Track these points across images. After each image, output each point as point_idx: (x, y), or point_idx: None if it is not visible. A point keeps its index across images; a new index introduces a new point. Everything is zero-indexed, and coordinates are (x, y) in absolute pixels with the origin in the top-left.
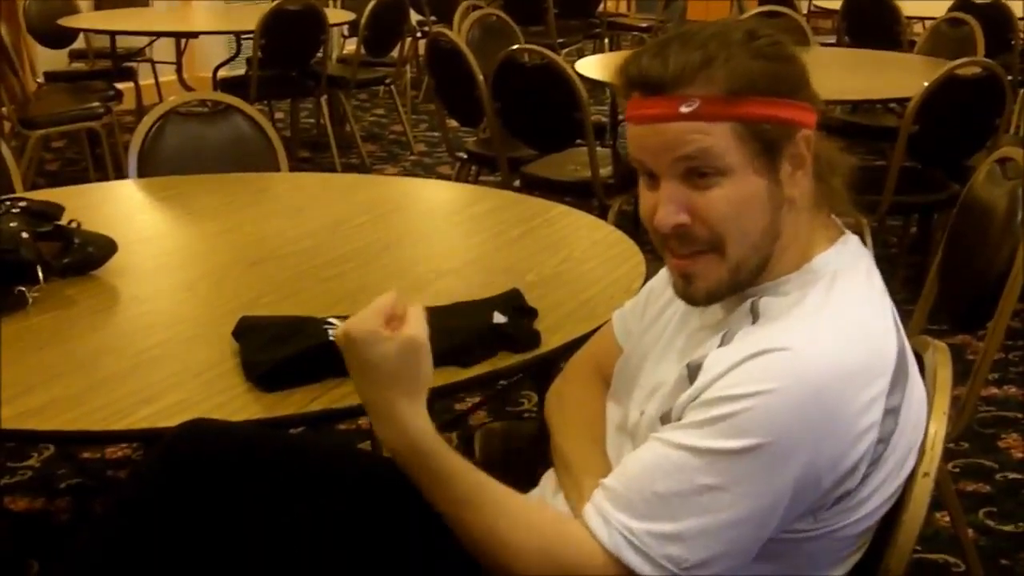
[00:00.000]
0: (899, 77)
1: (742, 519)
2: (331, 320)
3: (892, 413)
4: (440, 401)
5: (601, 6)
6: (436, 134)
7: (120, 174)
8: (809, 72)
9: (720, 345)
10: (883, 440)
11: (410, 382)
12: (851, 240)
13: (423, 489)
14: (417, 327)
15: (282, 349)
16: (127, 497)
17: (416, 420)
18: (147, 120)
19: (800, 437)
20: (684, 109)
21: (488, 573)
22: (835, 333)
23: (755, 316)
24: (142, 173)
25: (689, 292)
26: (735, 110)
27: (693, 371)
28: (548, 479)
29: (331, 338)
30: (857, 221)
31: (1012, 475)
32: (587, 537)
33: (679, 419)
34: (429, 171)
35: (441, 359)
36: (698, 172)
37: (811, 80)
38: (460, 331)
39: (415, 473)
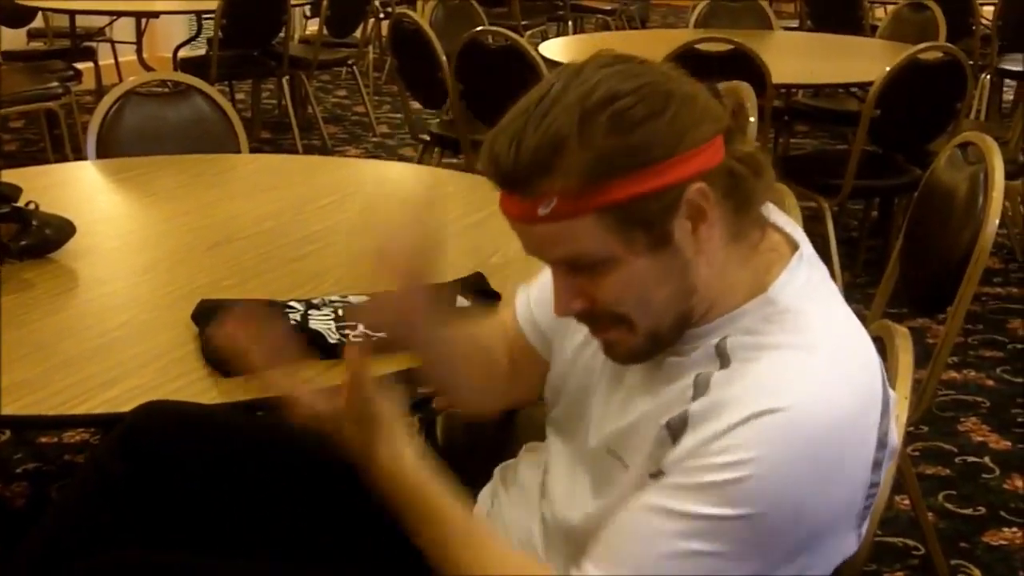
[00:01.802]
0: (861, 61)
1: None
2: (292, 304)
3: (882, 441)
4: (403, 385)
5: None
6: (399, 116)
7: (79, 155)
8: (696, 106)
9: (695, 396)
10: (877, 467)
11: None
12: (804, 253)
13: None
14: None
15: None
16: (86, 481)
17: (402, 459)
18: (106, 100)
19: (801, 500)
20: (542, 211)
21: None
22: (825, 382)
23: (724, 359)
24: (101, 154)
25: (611, 355)
26: (597, 200)
27: (675, 430)
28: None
29: (292, 322)
30: (819, 205)
31: (971, 458)
32: None
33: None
34: (392, 153)
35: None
36: (582, 266)
37: (702, 111)
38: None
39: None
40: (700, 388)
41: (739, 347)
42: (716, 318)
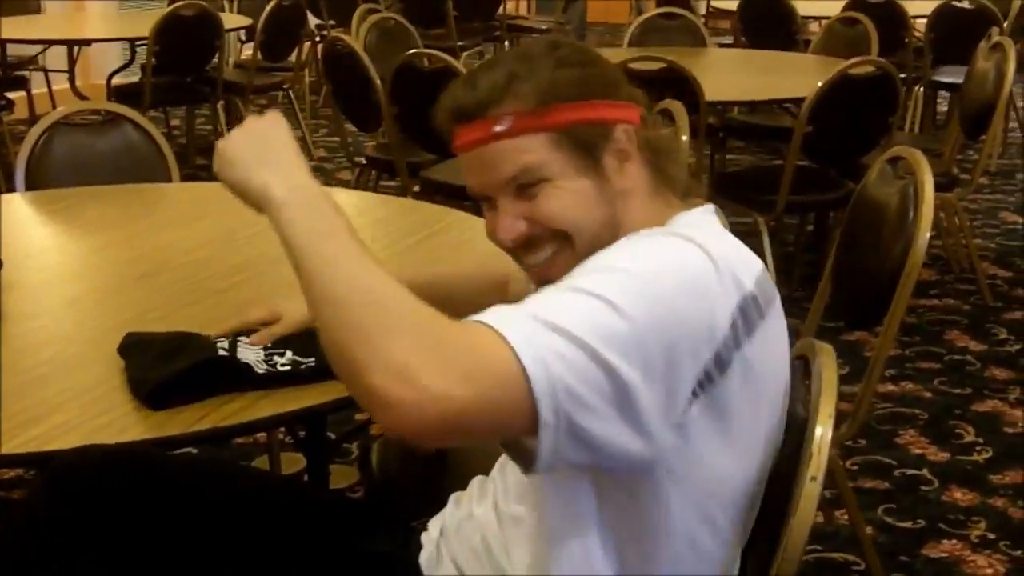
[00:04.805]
0: (794, 77)
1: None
2: (219, 340)
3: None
4: (340, 412)
5: (501, 8)
6: (336, 139)
7: (12, 187)
8: (618, 74)
9: None
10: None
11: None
12: (712, 209)
13: (318, 243)
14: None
15: (170, 365)
16: (15, 526)
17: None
18: (34, 131)
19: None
20: (498, 128)
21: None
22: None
23: None
24: (30, 186)
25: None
26: (546, 120)
27: None
28: (473, 486)
29: (221, 353)
30: (754, 220)
31: (910, 471)
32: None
33: None
34: (329, 177)
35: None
36: (527, 186)
37: (622, 81)
38: None
39: (315, 215)
40: None
41: None
42: None
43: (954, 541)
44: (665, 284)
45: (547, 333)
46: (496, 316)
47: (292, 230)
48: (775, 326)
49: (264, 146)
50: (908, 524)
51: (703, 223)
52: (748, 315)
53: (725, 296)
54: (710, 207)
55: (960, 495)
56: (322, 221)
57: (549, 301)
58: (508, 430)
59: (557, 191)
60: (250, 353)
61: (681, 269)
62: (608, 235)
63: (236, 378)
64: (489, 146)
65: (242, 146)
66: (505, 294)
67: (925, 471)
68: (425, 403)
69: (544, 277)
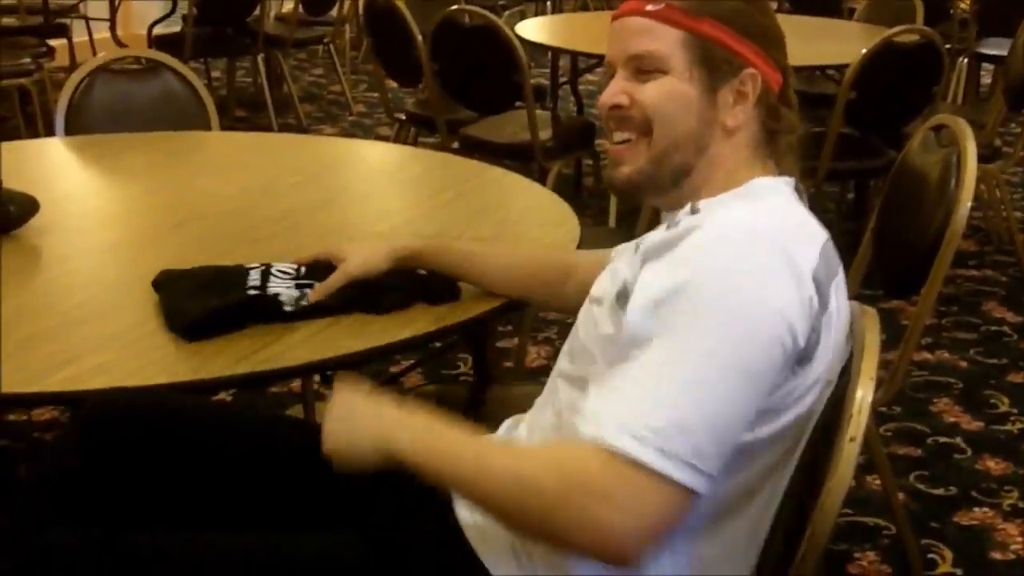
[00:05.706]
0: (838, 44)
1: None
2: (252, 265)
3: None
4: (374, 363)
5: None
6: (376, 95)
7: (52, 133)
8: (780, 39)
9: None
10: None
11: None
12: (792, 183)
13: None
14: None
15: (206, 300)
16: (46, 472)
17: (396, 411)
18: (75, 77)
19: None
20: (649, 8)
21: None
22: (752, 216)
23: (694, 211)
24: (70, 131)
25: (613, 175)
26: (690, 22)
27: (640, 248)
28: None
29: (252, 282)
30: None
31: (943, 439)
32: (584, 444)
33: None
34: (368, 132)
35: (353, 305)
36: (644, 69)
37: (780, 46)
38: (376, 281)
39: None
40: (671, 226)
41: (708, 203)
42: (699, 199)
43: (985, 509)
44: (740, 341)
45: (643, 428)
46: (601, 436)
47: (425, 469)
48: (839, 295)
49: (355, 420)
50: (940, 491)
51: (778, 189)
52: (822, 291)
53: (798, 300)
54: (790, 179)
55: (992, 464)
56: (443, 453)
57: (631, 394)
58: (682, 511)
59: (663, 84)
60: (280, 284)
61: (754, 319)
62: (688, 151)
63: (266, 314)
64: (633, 19)
65: (341, 432)
66: (573, 277)
67: (958, 439)
68: (615, 545)
69: (617, 159)
